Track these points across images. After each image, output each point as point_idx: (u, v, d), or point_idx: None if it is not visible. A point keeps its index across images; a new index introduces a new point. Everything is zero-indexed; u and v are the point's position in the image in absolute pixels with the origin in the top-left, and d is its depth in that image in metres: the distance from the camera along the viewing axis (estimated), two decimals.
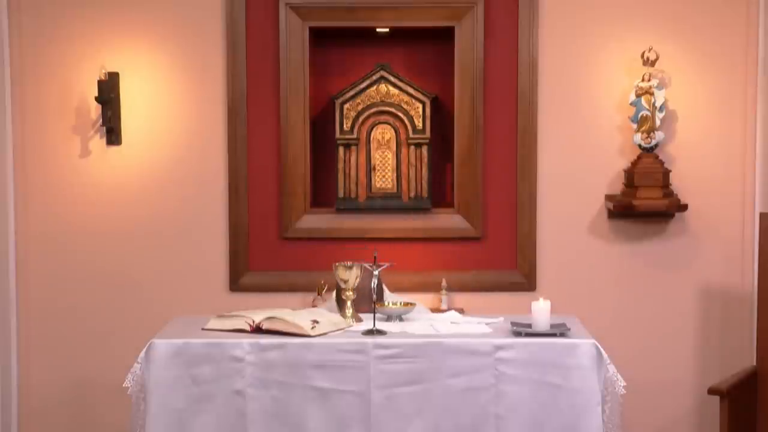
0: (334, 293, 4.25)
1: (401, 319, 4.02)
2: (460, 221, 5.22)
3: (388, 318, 4.01)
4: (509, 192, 5.24)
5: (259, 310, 3.93)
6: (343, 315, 3.97)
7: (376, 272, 3.89)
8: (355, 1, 5.16)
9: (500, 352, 3.71)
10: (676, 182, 5.20)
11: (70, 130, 5.22)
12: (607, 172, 5.26)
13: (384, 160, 5.29)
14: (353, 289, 3.99)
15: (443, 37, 5.21)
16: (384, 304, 4.04)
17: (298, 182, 5.21)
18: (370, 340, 3.72)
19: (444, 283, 5.13)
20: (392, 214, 5.25)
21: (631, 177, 5.11)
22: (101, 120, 5.14)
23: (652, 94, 5.09)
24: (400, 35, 5.37)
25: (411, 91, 5.33)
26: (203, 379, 3.71)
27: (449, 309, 4.86)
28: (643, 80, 5.10)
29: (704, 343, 5.31)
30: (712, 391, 4.60)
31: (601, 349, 3.70)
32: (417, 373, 3.70)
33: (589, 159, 5.24)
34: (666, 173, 5.14)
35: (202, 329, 3.89)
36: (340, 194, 5.26)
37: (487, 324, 3.95)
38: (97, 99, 5.09)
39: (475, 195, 5.19)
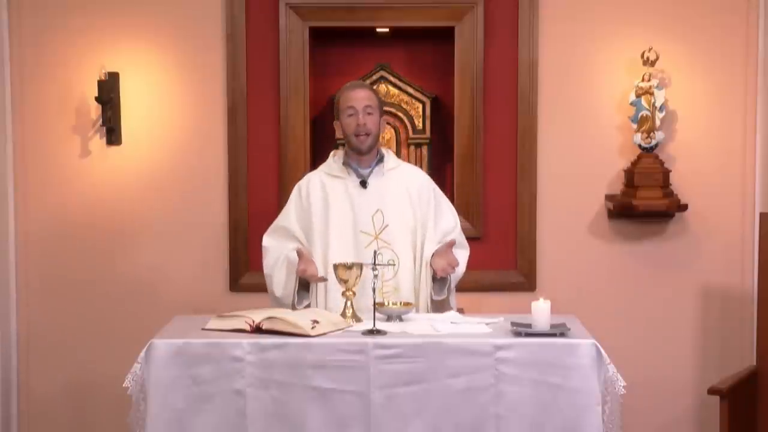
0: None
1: (401, 319, 4.02)
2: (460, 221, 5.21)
3: (388, 318, 4.01)
4: (509, 192, 5.25)
5: (259, 310, 3.93)
6: (343, 315, 3.97)
7: (376, 272, 3.89)
8: (355, 1, 5.17)
9: (500, 352, 3.71)
10: (676, 182, 5.20)
11: (70, 130, 5.22)
12: (607, 172, 5.26)
13: None
14: (353, 289, 3.99)
15: (443, 37, 5.22)
16: (384, 304, 4.04)
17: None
18: (370, 340, 3.72)
19: None
20: None
21: (631, 177, 5.12)
22: (101, 120, 5.14)
23: (652, 94, 5.09)
24: (400, 35, 5.37)
25: (411, 91, 5.34)
26: (203, 379, 3.71)
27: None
28: (643, 80, 5.10)
29: (704, 343, 5.31)
30: (712, 391, 4.60)
31: (601, 349, 3.70)
32: (417, 373, 3.69)
33: (589, 159, 5.24)
34: (666, 173, 5.14)
35: (202, 329, 3.89)
36: None
37: (487, 324, 3.95)
38: (97, 99, 5.09)
39: (475, 195, 5.19)
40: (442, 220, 4.34)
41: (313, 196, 4.30)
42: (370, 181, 4.28)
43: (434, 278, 4.23)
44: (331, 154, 4.42)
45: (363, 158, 4.28)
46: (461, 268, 4.33)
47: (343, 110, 4.24)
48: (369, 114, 4.21)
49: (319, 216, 4.28)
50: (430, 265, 4.22)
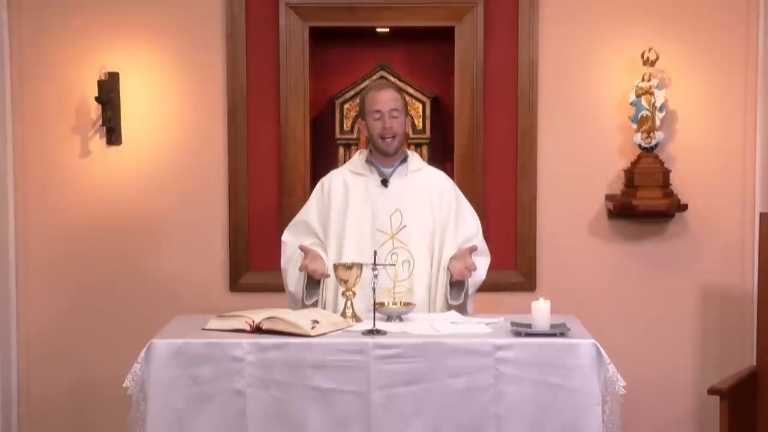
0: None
1: (401, 319, 4.02)
2: None
3: (388, 318, 4.00)
4: (509, 192, 5.24)
5: (259, 310, 3.93)
6: (343, 315, 3.97)
7: (375, 272, 3.88)
8: (355, 1, 5.17)
9: (500, 352, 3.71)
10: (676, 182, 5.20)
11: (70, 130, 5.22)
12: (607, 172, 5.26)
13: None
14: (353, 289, 3.98)
15: (443, 37, 5.22)
16: (384, 304, 4.04)
17: (298, 182, 5.21)
18: (370, 340, 3.72)
19: None
20: None
21: (631, 177, 5.11)
22: (101, 120, 5.14)
23: (652, 94, 5.09)
24: (400, 35, 5.37)
25: (411, 91, 5.34)
26: (203, 379, 3.71)
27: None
28: (643, 80, 5.10)
29: (704, 343, 5.31)
30: (712, 391, 4.60)
31: (601, 349, 3.70)
32: (417, 373, 3.69)
33: (589, 159, 5.24)
34: (666, 173, 5.14)
35: (202, 329, 3.89)
36: None
37: (487, 324, 3.95)
38: (97, 99, 5.09)
39: (475, 195, 5.18)
40: (463, 226, 4.34)
41: (334, 193, 4.30)
42: (392, 180, 4.28)
43: (451, 282, 4.23)
44: (358, 152, 4.43)
45: (387, 158, 4.29)
46: (480, 276, 4.32)
47: (370, 112, 4.23)
48: (395, 117, 4.21)
49: (337, 212, 4.28)
50: (448, 268, 4.22)
